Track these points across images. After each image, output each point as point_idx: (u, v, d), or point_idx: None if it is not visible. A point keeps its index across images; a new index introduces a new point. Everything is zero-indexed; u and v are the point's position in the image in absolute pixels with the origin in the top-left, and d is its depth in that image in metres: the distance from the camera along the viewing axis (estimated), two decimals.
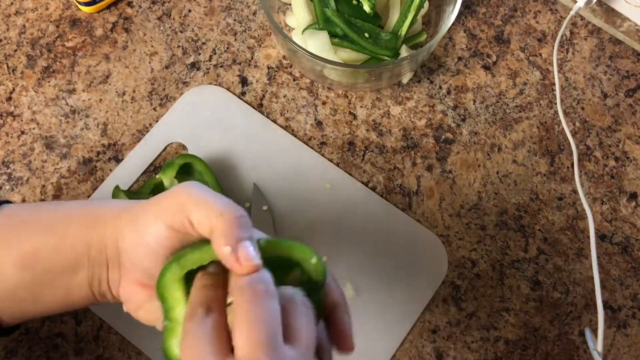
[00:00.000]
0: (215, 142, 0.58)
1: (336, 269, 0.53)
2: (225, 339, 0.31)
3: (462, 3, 0.55)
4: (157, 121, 0.59)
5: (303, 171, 0.57)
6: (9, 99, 0.60)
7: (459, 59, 0.63)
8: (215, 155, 0.57)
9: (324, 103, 0.60)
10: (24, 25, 0.62)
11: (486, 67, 0.62)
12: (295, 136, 0.59)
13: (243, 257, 0.32)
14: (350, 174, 0.57)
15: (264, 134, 0.58)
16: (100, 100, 0.60)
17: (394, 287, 0.53)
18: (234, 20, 0.64)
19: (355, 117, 0.60)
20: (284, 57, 0.62)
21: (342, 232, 0.55)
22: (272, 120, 0.59)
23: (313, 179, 0.57)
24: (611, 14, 0.63)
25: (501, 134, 0.60)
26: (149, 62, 0.61)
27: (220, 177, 0.56)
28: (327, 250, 0.54)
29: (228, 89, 0.60)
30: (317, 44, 0.56)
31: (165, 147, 0.58)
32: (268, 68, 0.62)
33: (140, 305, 0.38)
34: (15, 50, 0.61)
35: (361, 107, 0.60)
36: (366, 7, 0.57)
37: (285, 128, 0.59)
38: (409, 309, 0.53)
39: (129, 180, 0.56)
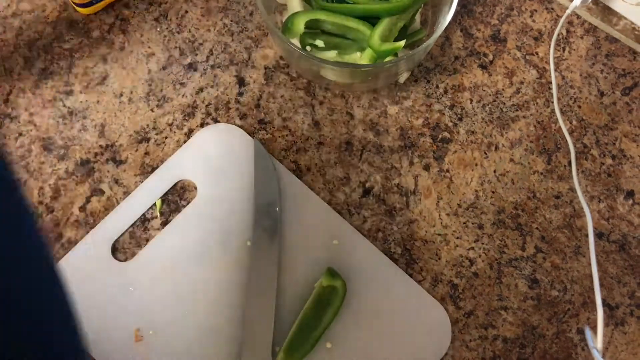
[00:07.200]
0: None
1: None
2: None
3: (459, 2, 0.55)
4: (155, 121, 0.59)
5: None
6: (6, 100, 0.60)
7: (456, 58, 0.63)
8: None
9: (321, 103, 0.61)
10: (20, 27, 0.62)
11: (483, 66, 0.63)
12: (293, 136, 0.59)
13: None
14: (348, 174, 0.58)
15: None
16: (98, 101, 0.60)
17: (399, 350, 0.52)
18: (231, 21, 0.64)
19: (352, 117, 0.60)
20: (281, 57, 0.62)
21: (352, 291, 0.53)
22: (269, 121, 0.59)
23: (322, 234, 0.55)
24: (607, 13, 0.64)
25: (498, 132, 0.60)
26: (146, 63, 0.62)
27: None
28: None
29: (225, 89, 0.60)
30: None
31: (175, 183, 0.58)
32: (265, 68, 0.62)
33: None
34: (12, 52, 0.61)
35: (358, 107, 0.60)
36: None
37: (283, 128, 0.59)
38: None
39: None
